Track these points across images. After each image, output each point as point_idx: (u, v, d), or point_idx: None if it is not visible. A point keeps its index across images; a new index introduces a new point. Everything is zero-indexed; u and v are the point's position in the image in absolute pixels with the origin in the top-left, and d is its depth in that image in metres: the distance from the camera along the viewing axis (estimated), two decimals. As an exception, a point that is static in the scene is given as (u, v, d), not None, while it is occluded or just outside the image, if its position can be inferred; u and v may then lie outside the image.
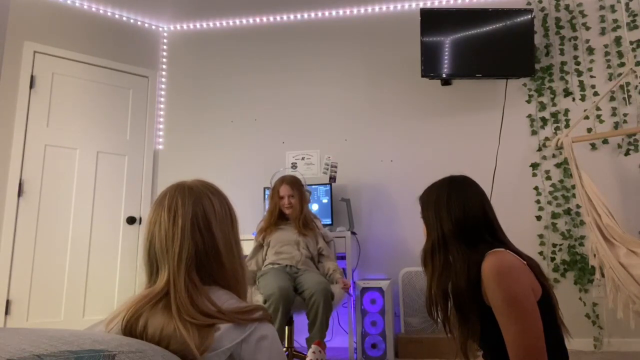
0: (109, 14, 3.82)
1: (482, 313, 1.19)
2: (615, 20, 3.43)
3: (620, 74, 3.28)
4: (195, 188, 0.99)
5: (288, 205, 2.78)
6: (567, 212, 3.30)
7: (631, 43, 3.37)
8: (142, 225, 3.71)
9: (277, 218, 2.80)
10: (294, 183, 2.82)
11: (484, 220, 1.29)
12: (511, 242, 1.29)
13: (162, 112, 4.00)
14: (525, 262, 1.21)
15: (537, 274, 1.21)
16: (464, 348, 1.25)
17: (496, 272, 1.14)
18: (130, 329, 0.85)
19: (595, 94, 3.38)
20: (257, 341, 0.85)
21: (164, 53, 4.08)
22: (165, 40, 4.09)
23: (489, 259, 1.18)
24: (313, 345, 2.29)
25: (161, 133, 3.97)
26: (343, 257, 3.15)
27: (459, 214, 1.28)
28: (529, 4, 3.58)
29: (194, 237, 0.94)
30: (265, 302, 2.33)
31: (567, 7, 3.52)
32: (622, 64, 3.34)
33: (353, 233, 3.34)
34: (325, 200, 3.45)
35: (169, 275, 0.91)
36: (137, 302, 0.89)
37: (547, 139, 3.43)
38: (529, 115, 3.49)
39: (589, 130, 3.35)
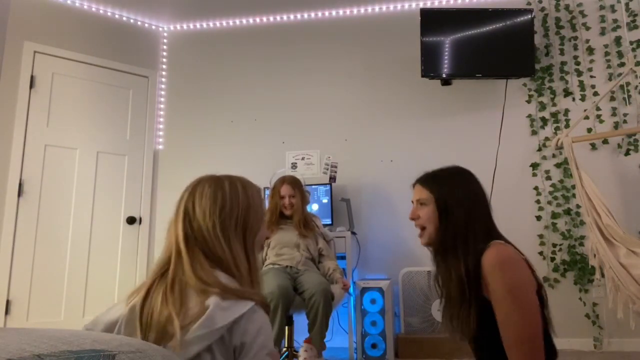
0: (109, 14, 3.82)
1: (478, 306, 1.20)
2: (615, 20, 3.43)
3: (620, 74, 3.28)
4: (229, 177, 1.11)
5: (289, 206, 2.78)
6: (567, 212, 3.30)
7: (631, 43, 3.37)
8: (142, 225, 3.71)
9: (277, 217, 2.81)
10: (295, 183, 2.83)
11: (489, 215, 1.32)
12: (505, 237, 1.31)
13: (162, 112, 4.00)
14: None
15: (530, 269, 1.24)
16: (466, 333, 1.24)
17: (501, 262, 1.16)
18: (143, 305, 0.94)
19: (595, 94, 3.38)
20: (248, 315, 0.91)
21: (164, 53, 4.08)
22: (165, 40, 4.09)
23: (492, 250, 1.20)
24: (304, 344, 2.30)
25: (161, 133, 3.97)
26: (343, 257, 3.15)
27: (473, 206, 1.29)
28: (529, 4, 3.58)
29: (219, 216, 1.03)
30: (265, 300, 2.34)
31: (567, 7, 3.52)
32: (622, 64, 3.34)
33: (353, 233, 3.34)
34: (325, 200, 3.45)
35: (175, 243, 1.01)
36: (151, 276, 0.99)
37: (547, 139, 3.43)
38: (529, 115, 3.49)
39: (589, 130, 3.35)
